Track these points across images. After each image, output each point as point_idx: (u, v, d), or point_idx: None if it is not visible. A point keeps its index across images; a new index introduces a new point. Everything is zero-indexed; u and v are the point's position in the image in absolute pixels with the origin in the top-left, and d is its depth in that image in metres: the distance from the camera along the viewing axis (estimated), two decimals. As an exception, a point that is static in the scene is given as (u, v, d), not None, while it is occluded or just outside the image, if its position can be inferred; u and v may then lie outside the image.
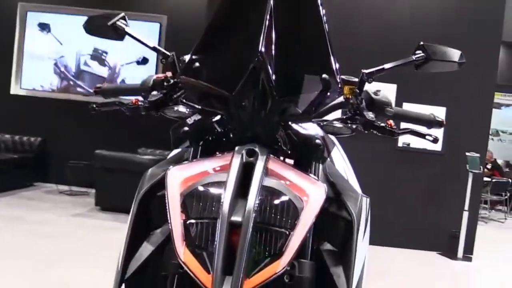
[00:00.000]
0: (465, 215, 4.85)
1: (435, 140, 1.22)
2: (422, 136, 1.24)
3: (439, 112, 4.71)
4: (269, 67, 0.94)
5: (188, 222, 0.87)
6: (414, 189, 5.13)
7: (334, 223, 1.03)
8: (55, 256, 3.73)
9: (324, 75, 1.00)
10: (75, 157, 6.35)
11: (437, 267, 4.52)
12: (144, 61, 6.72)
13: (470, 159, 4.82)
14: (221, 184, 0.89)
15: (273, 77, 0.94)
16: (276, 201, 0.88)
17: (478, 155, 4.85)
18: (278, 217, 0.87)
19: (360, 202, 1.04)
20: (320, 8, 1.04)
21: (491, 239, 6.18)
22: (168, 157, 1.32)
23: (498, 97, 9.65)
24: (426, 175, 5.13)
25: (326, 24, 1.03)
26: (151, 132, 5.06)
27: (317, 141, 1.07)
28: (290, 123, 1.07)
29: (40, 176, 6.85)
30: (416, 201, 5.12)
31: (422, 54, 1.26)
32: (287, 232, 0.85)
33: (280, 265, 0.83)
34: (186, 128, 1.11)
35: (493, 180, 8.08)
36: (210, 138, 1.10)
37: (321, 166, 1.11)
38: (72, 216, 5.17)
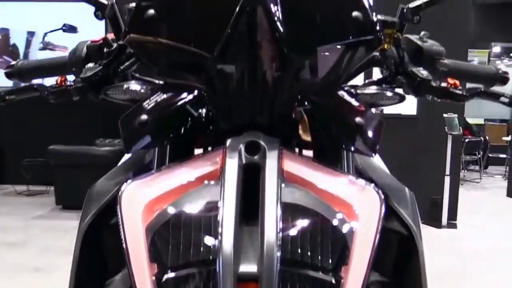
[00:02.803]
0: (447, 180, 4.67)
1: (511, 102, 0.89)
2: (496, 98, 0.90)
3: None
4: (269, 2, 0.60)
5: (163, 279, 0.54)
6: (390, 157, 4.89)
7: (382, 241, 0.67)
8: (17, 266, 3.37)
9: (355, 13, 0.63)
10: (30, 155, 5.94)
11: (424, 237, 4.33)
12: (71, 29, 5.58)
13: (448, 120, 4.62)
14: (212, 206, 0.57)
15: (279, 18, 0.60)
16: (308, 226, 0.56)
17: (456, 115, 4.65)
18: (316, 254, 0.54)
19: (415, 206, 0.73)
20: None
21: (470, 201, 6.08)
22: (120, 162, 0.94)
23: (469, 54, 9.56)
24: (402, 141, 4.91)
25: None
26: (108, 119, 4.68)
27: (358, 119, 0.69)
28: (308, 93, 0.70)
29: (-5, 178, 6.42)
30: (394, 169, 4.88)
31: None
32: (335, 279, 0.53)
33: None
34: (143, 117, 0.70)
35: (466, 140, 8.00)
36: (183, 130, 0.72)
37: (352, 155, 0.78)
38: (32, 219, 4.81)
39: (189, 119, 0.72)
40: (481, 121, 10.14)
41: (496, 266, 3.66)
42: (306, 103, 0.70)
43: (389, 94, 0.83)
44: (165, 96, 0.73)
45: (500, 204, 6.25)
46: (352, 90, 0.81)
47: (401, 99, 0.84)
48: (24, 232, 4.35)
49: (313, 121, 0.70)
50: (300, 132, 0.71)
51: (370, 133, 0.69)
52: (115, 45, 0.86)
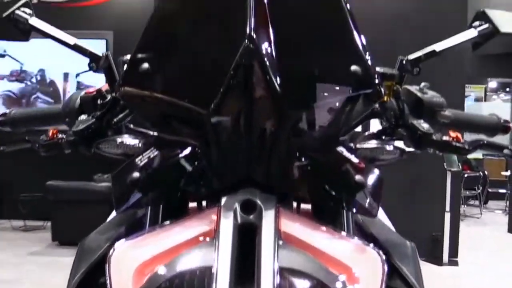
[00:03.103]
0: (447, 216, 4.63)
1: None
2: (499, 150, 0.89)
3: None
4: (265, 57, 0.58)
5: None
6: (389, 193, 4.87)
7: None
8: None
9: (353, 67, 0.62)
10: (27, 189, 5.89)
11: (424, 275, 4.27)
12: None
13: (447, 156, 4.61)
14: (206, 269, 0.55)
15: (276, 73, 0.59)
16: None
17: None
18: None
19: (417, 261, 0.71)
20: None
21: (471, 238, 6.01)
22: (109, 218, 0.91)
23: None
24: (401, 177, 4.90)
25: None
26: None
27: (358, 178, 0.67)
28: (305, 150, 0.68)
29: (-8, 212, 6.35)
30: (393, 205, 4.83)
31: (487, 26, 0.88)
32: None
33: None
34: (135, 174, 0.67)
35: (465, 175, 7.98)
36: (176, 187, 0.69)
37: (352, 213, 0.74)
38: (29, 255, 4.74)
39: (183, 176, 0.69)
40: (479, 155, 10.13)
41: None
42: (303, 158, 0.68)
43: (389, 148, 0.82)
44: (158, 152, 0.71)
45: (501, 241, 6.19)
46: (352, 145, 0.80)
47: (402, 153, 0.83)
48: (19, 268, 4.28)
49: (311, 177, 0.68)
50: (298, 189, 0.70)
51: (370, 192, 0.68)
52: (109, 96, 0.85)
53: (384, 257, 0.60)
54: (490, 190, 8.96)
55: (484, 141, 0.88)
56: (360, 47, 0.65)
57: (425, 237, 4.76)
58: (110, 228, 0.82)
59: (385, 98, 0.83)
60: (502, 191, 8.69)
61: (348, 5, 0.66)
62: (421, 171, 4.86)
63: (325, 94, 0.64)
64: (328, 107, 0.65)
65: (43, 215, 5.73)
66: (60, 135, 0.85)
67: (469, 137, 0.91)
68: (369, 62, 0.65)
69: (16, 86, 6.40)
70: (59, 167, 5.77)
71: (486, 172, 9.01)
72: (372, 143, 0.82)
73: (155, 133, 0.78)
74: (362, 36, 0.65)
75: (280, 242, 0.58)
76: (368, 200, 0.68)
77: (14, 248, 5.00)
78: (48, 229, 5.45)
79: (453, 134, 0.84)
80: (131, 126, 0.87)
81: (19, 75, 6.37)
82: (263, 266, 0.54)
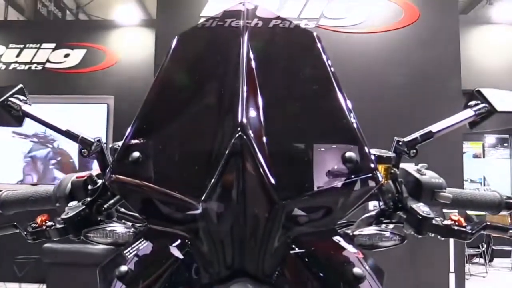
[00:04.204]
0: (452, 277, 4.52)
1: None
2: (504, 231, 0.87)
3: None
4: (256, 148, 0.58)
5: None
6: (391, 255, 4.78)
7: None
8: None
9: (348, 153, 0.62)
10: (23, 252, 5.77)
11: None
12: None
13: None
14: None
15: (268, 164, 0.58)
16: None
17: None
18: None
19: None
20: (322, 52, 0.69)
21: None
22: None
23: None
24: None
25: (333, 73, 0.67)
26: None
27: (356, 271, 0.63)
28: (300, 240, 0.65)
29: (-14, 276, 6.19)
30: (393, 271, 4.74)
31: (484, 105, 0.88)
32: None
33: None
34: (123, 268, 0.65)
35: (468, 233, 7.86)
36: (166, 282, 0.65)
37: None
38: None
39: (172, 269, 0.66)
40: (481, 211, 10.04)
41: None
42: (299, 250, 0.65)
43: (388, 235, 0.79)
44: (147, 243, 0.69)
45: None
46: (349, 231, 0.77)
47: (402, 240, 0.79)
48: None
49: (307, 270, 0.65)
50: (293, 281, 0.66)
51: (370, 286, 0.64)
52: (100, 182, 0.84)
53: None
54: (494, 247, 8.79)
55: (487, 223, 0.85)
56: (355, 130, 0.65)
57: (430, 300, 4.64)
58: None
59: (383, 181, 0.81)
60: (507, 248, 8.51)
61: (341, 90, 0.66)
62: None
63: (320, 183, 0.62)
64: (323, 196, 0.63)
65: (39, 278, 5.60)
66: (49, 223, 0.84)
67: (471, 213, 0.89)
68: (364, 146, 0.64)
69: (36, 148, 6.38)
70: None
71: (489, 229, 8.87)
72: (371, 229, 0.79)
73: (145, 222, 0.76)
74: (355, 119, 0.65)
75: None
76: None
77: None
78: (43, 293, 5.31)
79: (454, 217, 0.82)
80: (122, 209, 0.86)
81: (42, 138, 6.36)
82: None
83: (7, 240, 6.28)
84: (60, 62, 6.60)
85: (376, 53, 5.03)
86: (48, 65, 6.59)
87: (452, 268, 4.52)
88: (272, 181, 0.58)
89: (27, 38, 6.69)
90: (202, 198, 0.59)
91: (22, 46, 6.69)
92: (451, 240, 4.47)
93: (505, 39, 6.69)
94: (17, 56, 6.64)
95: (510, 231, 0.87)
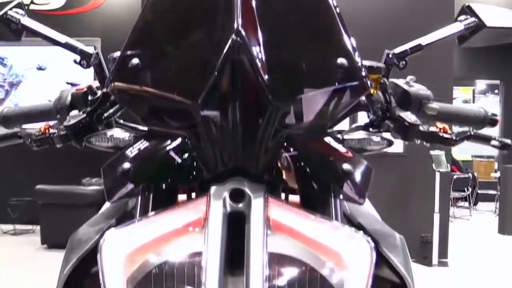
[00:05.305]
0: (436, 217, 4.66)
1: (504, 146, 0.88)
2: (487, 141, 0.90)
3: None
4: (253, 51, 0.60)
5: None
6: (378, 195, 4.89)
7: None
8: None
9: (340, 59, 0.64)
10: (16, 194, 5.88)
11: (414, 276, 4.29)
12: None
13: (435, 157, 4.64)
14: (196, 256, 0.56)
15: (263, 66, 0.60)
16: (295, 277, 0.55)
17: (443, 152, 4.67)
18: None
19: (406, 251, 0.72)
20: None
21: (460, 239, 6.06)
22: (101, 211, 0.93)
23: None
24: (390, 179, 4.93)
25: None
26: (95, 158, 4.65)
27: (346, 166, 0.69)
28: (293, 140, 0.69)
29: (-20, 218, 6.31)
30: (382, 208, 4.86)
31: (473, 20, 0.88)
32: None
33: None
34: (126, 165, 0.70)
35: (454, 177, 8.04)
36: (166, 177, 0.71)
37: (340, 201, 0.75)
38: (18, 260, 4.72)
39: (173, 166, 0.70)
40: (468, 157, 10.21)
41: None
42: (292, 149, 0.69)
43: (376, 139, 0.83)
44: (148, 143, 0.73)
45: (492, 242, 6.23)
46: (339, 136, 0.80)
47: (389, 144, 0.83)
48: (8, 272, 4.25)
49: (299, 167, 0.69)
50: (286, 178, 0.70)
51: (358, 180, 0.69)
52: (99, 92, 0.87)
53: (372, 244, 0.61)
54: (479, 191, 9.02)
55: (471, 132, 0.89)
56: (346, 40, 0.67)
57: (415, 238, 4.79)
58: (101, 219, 0.83)
59: (372, 91, 0.84)
60: (492, 192, 8.74)
61: (334, 1, 0.67)
62: (409, 172, 4.90)
63: (312, 86, 0.65)
64: (315, 100, 0.66)
65: (33, 219, 5.70)
66: (51, 130, 0.88)
67: (456, 129, 0.92)
68: (356, 55, 0.66)
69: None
70: (48, 171, 5.78)
71: (475, 174, 9.07)
72: (360, 134, 0.82)
73: (145, 128, 0.79)
74: (349, 31, 0.67)
75: (269, 230, 0.59)
76: (355, 188, 0.69)
77: (3, 252, 4.99)
78: (37, 233, 5.45)
79: (440, 125, 0.86)
80: (121, 121, 0.89)
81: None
82: (252, 254, 0.55)
83: (0, 183, 6.34)
84: (45, 4, 6.43)
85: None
86: (32, 6, 6.40)
87: (437, 209, 4.65)
88: (267, 82, 0.60)
89: (10, -22, 6.49)
90: (200, 98, 0.62)
91: (5, -14, 6.50)
92: (437, 181, 4.58)
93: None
94: (1, -4, 6.47)
95: (493, 141, 0.90)
